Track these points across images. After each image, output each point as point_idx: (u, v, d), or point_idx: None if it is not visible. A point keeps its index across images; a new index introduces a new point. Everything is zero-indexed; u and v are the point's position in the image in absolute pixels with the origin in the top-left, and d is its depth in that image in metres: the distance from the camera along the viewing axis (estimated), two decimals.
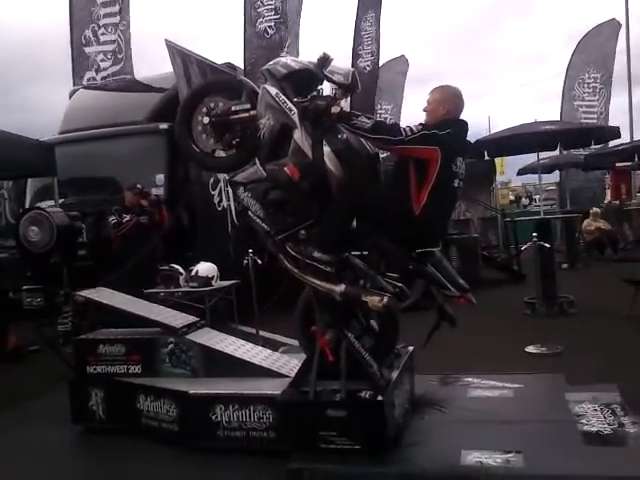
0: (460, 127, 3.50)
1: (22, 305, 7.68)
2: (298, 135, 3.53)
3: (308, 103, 3.54)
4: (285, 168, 3.52)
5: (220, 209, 8.56)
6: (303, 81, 3.67)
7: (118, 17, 9.76)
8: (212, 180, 8.35)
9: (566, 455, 3.32)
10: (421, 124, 3.42)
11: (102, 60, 9.65)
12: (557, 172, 18.61)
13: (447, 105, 3.47)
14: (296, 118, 3.53)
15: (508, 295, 9.72)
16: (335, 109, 3.47)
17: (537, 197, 26.82)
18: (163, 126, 7.85)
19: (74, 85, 9.64)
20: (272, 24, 10.74)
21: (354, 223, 3.61)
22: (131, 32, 9.87)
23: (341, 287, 3.49)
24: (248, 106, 3.78)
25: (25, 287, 7.68)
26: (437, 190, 3.32)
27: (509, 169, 24.79)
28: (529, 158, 15.41)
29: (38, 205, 7.44)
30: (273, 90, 3.60)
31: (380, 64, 16.62)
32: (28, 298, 7.58)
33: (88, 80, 9.44)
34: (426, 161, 3.29)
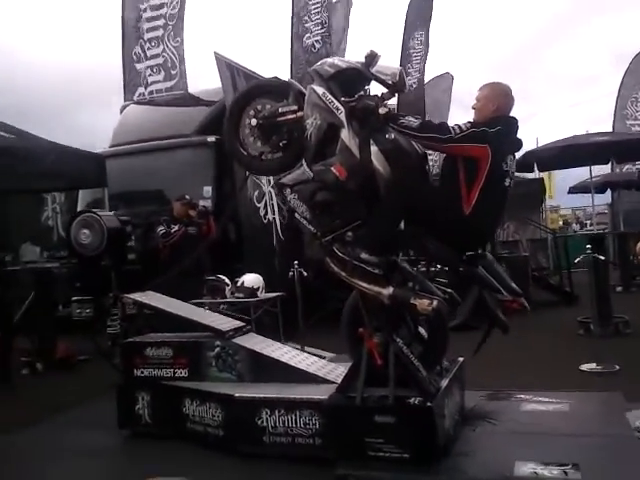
0: (510, 124, 3.40)
1: (72, 317, 7.83)
2: (345, 134, 3.48)
3: (356, 102, 3.50)
4: (332, 168, 3.47)
5: (266, 222, 8.59)
6: (350, 80, 3.62)
7: (161, 30, 9.91)
8: (257, 193, 8.40)
9: (626, 470, 3.14)
10: (470, 122, 3.33)
11: (149, 74, 9.80)
12: (609, 192, 17.96)
13: (496, 102, 3.38)
14: (343, 117, 3.49)
15: (560, 315, 9.41)
16: (383, 110, 3.42)
17: (588, 222, 26.07)
18: (211, 139, 7.97)
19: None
20: (319, 38, 10.81)
21: (402, 224, 3.54)
22: (184, 48, 9.99)
23: (389, 290, 3.40)
24: (295, 107, 3.75)
25: (75, 298, 7.83)
26: (488, 189, 3.22)
27: (558, 193, 23.86)
28: (580, 175, 14.99)
29: (90, 209, 7.58)
30: (320, 90, 3.57)
31: (426, 81, 16.53)
32: (78, 309, 7.73)
33: (138, 96, 9.59)
34: (476, 160, 3.20)
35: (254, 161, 4.02)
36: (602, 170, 13.91)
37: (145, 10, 9.76)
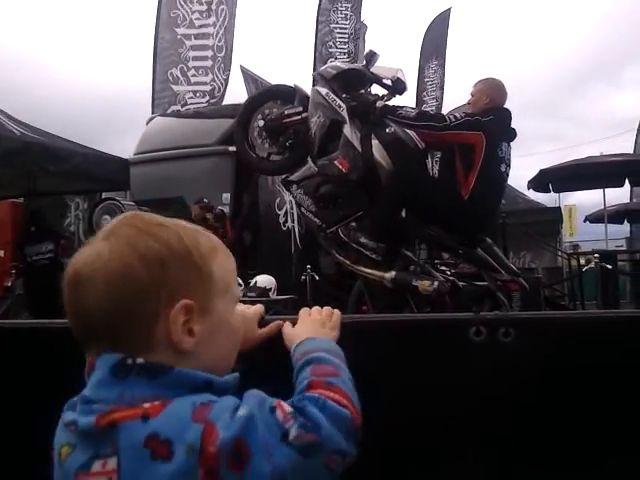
0: (503, 114, 3.59)
1: None
2: (347, 130, 3.69)
3: (356, 100, 3.71)
4: (335, 162, 3.69)
5: (285, 229, 8.77)
6: (352, 80, 3.85)
7: (210, 61, 10.22)
8: (278, 200, 8.60)
9: None
10: (465, 112, 3.53)
11: (191, 97, 10.13)
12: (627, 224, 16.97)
13: (490, 95, 3.59)
14: (345, 114, 3.70)
15: None
16: (380, 103, 3.63)
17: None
18: (231, 148, 8.18)
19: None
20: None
21: (403, 213, 3.71)
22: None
23: (391, 274, 3.57)
24: (300, 109, 3.97)
25: None
26: (484, 175, 3.41)
27: (579, 232, 22.30)
28: (596, 204, 14.42)
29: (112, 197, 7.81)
30: (323, 90, 3.79)
31: (445, 111, 16.70)
32: None
33: (171, 112, 9.90)
34: (471, 146, 3.39)
35: (262, 162, 4.24)
36: (619, 199, 13.50)
37: (188, 38, 10.10)
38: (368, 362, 1.03)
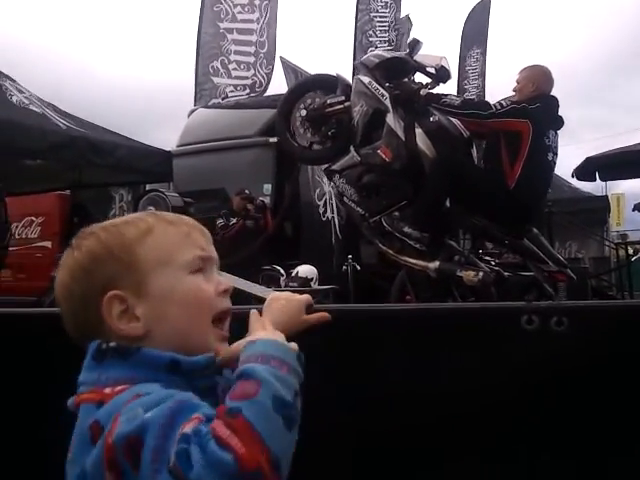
0: (550, 102, 3.51)
1: None
2: (390, 119, 3.67)
3: (399, 88, 3.68)
4: (378, 151, 3.67)
5: (325, 220, 8.77)
6: (395, 69, 3.81)
7: (253, 57, 10.27)
8: (318, 191, 8.60)
9: None
10: (510, 100, 3.46)
11: (231, 91, 10.20)
12: None
13: (536, 82, 3.51)
14: (388, 102, 3.67)
15: None
16: (424, 91, 3.59)
17: None
18: (273, 140, 8.21)
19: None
20: None
21: (447, 202, 3.68)
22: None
23: (435, 264, 3.54)
24: (342, 98, 3.95)
25: None
26: (531, 163, 3.34)
27: (627, 222, 21.63)
28: None
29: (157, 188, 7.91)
30: (366, 79, 3.77)
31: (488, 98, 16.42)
32: None
33: (212, 104, 9.98)
34: (517, 134, 3.33)
35: (304, 151, 4.25)
36: None
37: (230, 32, 10.17)
38: (420, 350, 1.03)
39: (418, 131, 3.63)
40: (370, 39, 11.23)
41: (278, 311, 0.91)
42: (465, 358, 1.14)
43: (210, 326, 0.84)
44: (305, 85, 4.36)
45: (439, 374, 1.09)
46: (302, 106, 4.14)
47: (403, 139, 3.62)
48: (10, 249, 5.15)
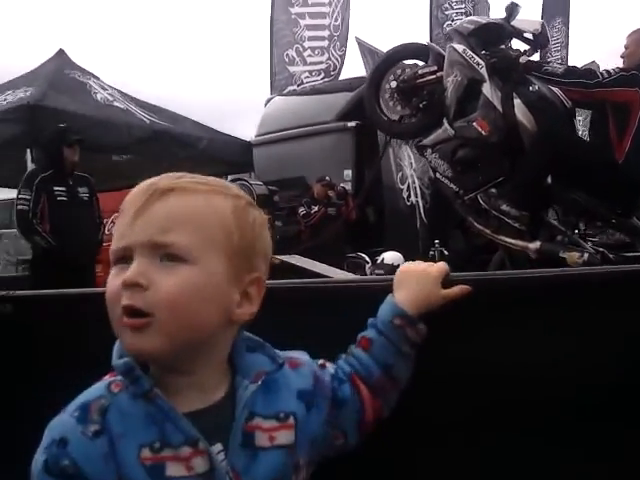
0: None
1: None
2: (487, 89, 3.45)
3: (496, 56, 3.45)
4: (474, 123, 3.46)
5: (409, 204, 8.57)
6: (491, 35, 3.58)
7: (326, 41, 10.19)
8: (401, 175, 8.41)
9: None
10: (619, 67, 3.19)
11: (307, 77, 10.16)
12: None
13: None
14: (484, 72, 3.45)
15: None
16: (523, 59, 3.36)
17: None
18: (351, 124, 8.09)
19: None
20: None
21: (549, 179, 3.44)
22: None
23: (536, 244, 3.31)
24: (434, 68, 3.76)
25: None
26: None
27: None
28: None
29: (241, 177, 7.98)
30: (460, 47, 3.56)
31: None
32: None
33: (288, 92, 9.97)
34: (626, 105, 3.08)
35: (394, 125, 4.06)
36: None
37: (302, 17, 10.12)
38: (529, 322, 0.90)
39: (517, 102, 3.39)
40: (446, 12, 10.90)
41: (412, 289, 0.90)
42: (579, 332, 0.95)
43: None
44: (395, 55, 4.16)
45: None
46: (392, 77, 3.95)
47: (501, 110, 3.39)
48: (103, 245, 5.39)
